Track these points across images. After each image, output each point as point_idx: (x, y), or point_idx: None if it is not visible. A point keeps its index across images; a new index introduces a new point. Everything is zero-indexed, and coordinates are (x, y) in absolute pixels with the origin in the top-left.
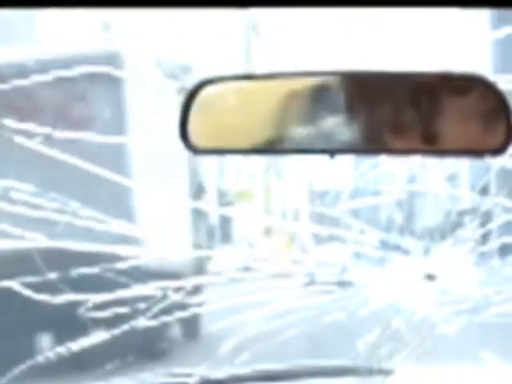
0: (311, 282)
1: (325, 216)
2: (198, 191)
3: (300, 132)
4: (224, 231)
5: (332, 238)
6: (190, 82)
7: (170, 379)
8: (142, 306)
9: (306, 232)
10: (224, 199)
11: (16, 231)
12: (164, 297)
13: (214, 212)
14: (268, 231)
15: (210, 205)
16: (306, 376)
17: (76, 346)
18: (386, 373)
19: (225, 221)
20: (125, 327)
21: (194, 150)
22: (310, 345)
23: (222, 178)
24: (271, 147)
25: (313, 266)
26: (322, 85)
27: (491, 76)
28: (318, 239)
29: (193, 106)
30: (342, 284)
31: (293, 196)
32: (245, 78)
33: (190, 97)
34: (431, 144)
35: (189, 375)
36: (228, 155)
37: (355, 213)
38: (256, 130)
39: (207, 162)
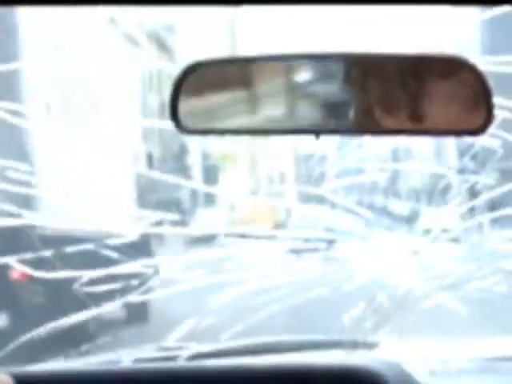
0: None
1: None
2: (181, 152)
3: (288, 113)
4: (207, 194)
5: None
6: None
7: (161, 353)
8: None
9: (292, 194)
10: (208, 161)
11: None
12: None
13: (197, 173)
14: (252, 194)
15: (194, 166)
16: (291, 350)
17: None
18: (370, 346)
19: (208, 183)
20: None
21: (184, 130)
22: (295, 319)
23: (206, 141)
24: (259, 128)
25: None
26: (311, 67)
27: (479, 58)
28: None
29: (183, 87)
30: (326, 259)
31: (278, 159)
32: (234, 61)
33: (181, 79)
34: (416, 124)
35: (180, 348)
36: (216, 136)
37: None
38: (245, 112)
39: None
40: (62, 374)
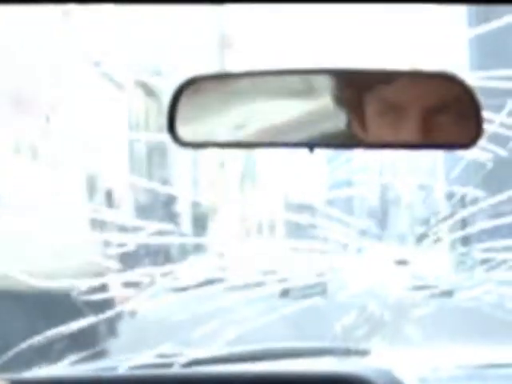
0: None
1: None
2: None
3: (281, 127)
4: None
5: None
6: None
7: (159, 359)
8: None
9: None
10: (197, 210)
11: None
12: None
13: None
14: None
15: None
16: (286, 357)
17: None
18: (362, 353)
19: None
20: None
21: (181, 143)
22: (291, 328)
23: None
24: (254, 142)
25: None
26: (303, 83)
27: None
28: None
29: (180, 102)
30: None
31: (267, 207)
32: (229, 76)
33: (178, 93)
34: (408, 138)
35: (177, 355)
36: (213, 148)
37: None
38: (240, 126)
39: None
40: (60, 381)
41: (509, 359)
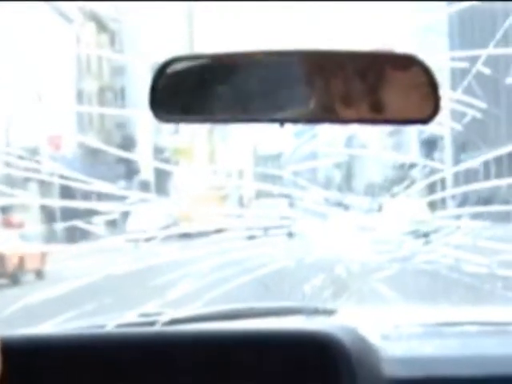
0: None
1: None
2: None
3: (255, 103)
4: (159, 186)
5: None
6: None
7: (142, 318)
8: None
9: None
10: (161, 155)
11: None
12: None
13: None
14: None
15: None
16: (258, 316)
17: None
18: (329, 312)
19: (159, 176)
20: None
21: (161, 119)
22: (261, 290)
23: (160, 134)
24: (230, 117)
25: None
26: (277, 62)
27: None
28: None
29: (161, 80)
30: (290, 235)
31: (236, 156)
32: (207, 57)
33: (159, 72)
34: (371, 114)
35: (158, 314)
36: (190, 123)
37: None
38: (217, 102)
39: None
40: (50, 338)
41: (464, 318)
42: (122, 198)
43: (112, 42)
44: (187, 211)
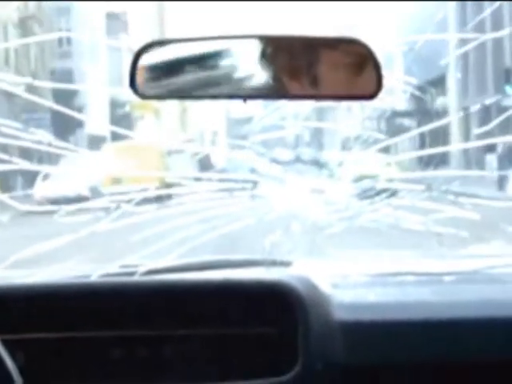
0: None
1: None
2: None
3: (222, 81)
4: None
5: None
6: None
7: (122, 269)
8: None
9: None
10: (119, 110)
11: None
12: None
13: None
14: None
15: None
16: (223, 267)
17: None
18: (286, 264)
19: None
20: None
21: (141, 96)
22: (226, 244)
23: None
24: (200, 94)
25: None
26: (239, 45)
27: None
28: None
29: (140, 61)
30: (252, 197)
31: (209, 118)
32: (183, 41)
33: (138, 54)
34: (322, 91)
35: (137, 266)
36: (165, 100)
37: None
38: (191, 80)
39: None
40: (39, 287)
41: (403, 269)
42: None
43: None
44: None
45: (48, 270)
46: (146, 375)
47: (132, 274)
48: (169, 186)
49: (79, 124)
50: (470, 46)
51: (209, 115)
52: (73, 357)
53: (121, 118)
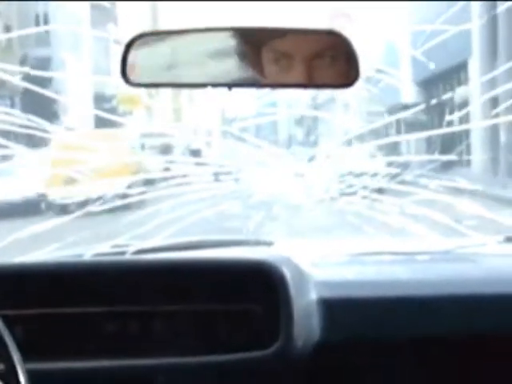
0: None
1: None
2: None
3: (206, 71)
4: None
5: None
6: None
7: (114, 249)
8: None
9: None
10: (106, 104)
11: None
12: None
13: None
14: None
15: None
16: (210, 247)
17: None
18: (268, 244)
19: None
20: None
21: (131, 84)
22: (212, 225)
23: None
24: (189, 82)
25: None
26: (224, 37)
27: None
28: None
29: (131, 51)
30: (236, 180)
31: (204, 117)
32: (172, 33)
33: (129, 45)
34: (302, 80)
35: (127, 245)
36: (154, 88)
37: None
38: (180, 70)
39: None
40: (36, 266)
41: (379, 248)
42: None
43: None
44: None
45: (44, 251)
46: (136, 348)
47: (122, 253)
48: (147, 181)
49: (54, 117)
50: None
51: (204, 114)
52: (68, 332)
53: (107, 113)
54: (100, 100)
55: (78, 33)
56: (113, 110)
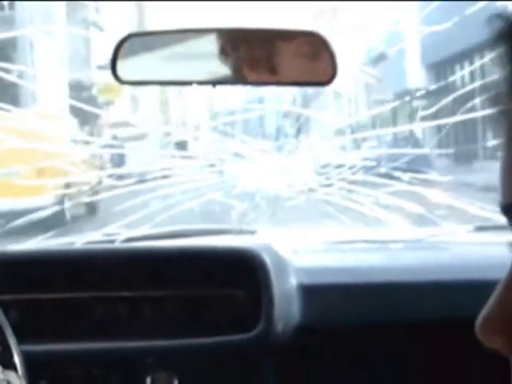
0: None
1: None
2: None
3: (194, 70)
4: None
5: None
6: None
7: (104, 237)
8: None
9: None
10: (84, 93)
11: None
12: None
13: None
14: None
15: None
16: (195, 235)
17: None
18: (251, 232)
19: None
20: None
21: (122, 81)
22: (197, 215)
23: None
24: (176, 80)
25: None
26: (208, 37)
27: None
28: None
29: (121, 51)
30: (220, 172)
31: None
32: (159, 33)
33: (119, 45)
34: (283, 78)
35: (117, 234)
36: (143, 85)
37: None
38: (168, 68)
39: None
40: (28, 253)
41: (355, 237)
42: None
43: None
44: None
45: (41, 238)
46: (125, 331)
47: (112, 241)
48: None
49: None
50: None
51: (191, 108)
52: (61, 315)
53: (85, 102)
54: (78, 88)
55: (51, 14)
56: (92, 100)
